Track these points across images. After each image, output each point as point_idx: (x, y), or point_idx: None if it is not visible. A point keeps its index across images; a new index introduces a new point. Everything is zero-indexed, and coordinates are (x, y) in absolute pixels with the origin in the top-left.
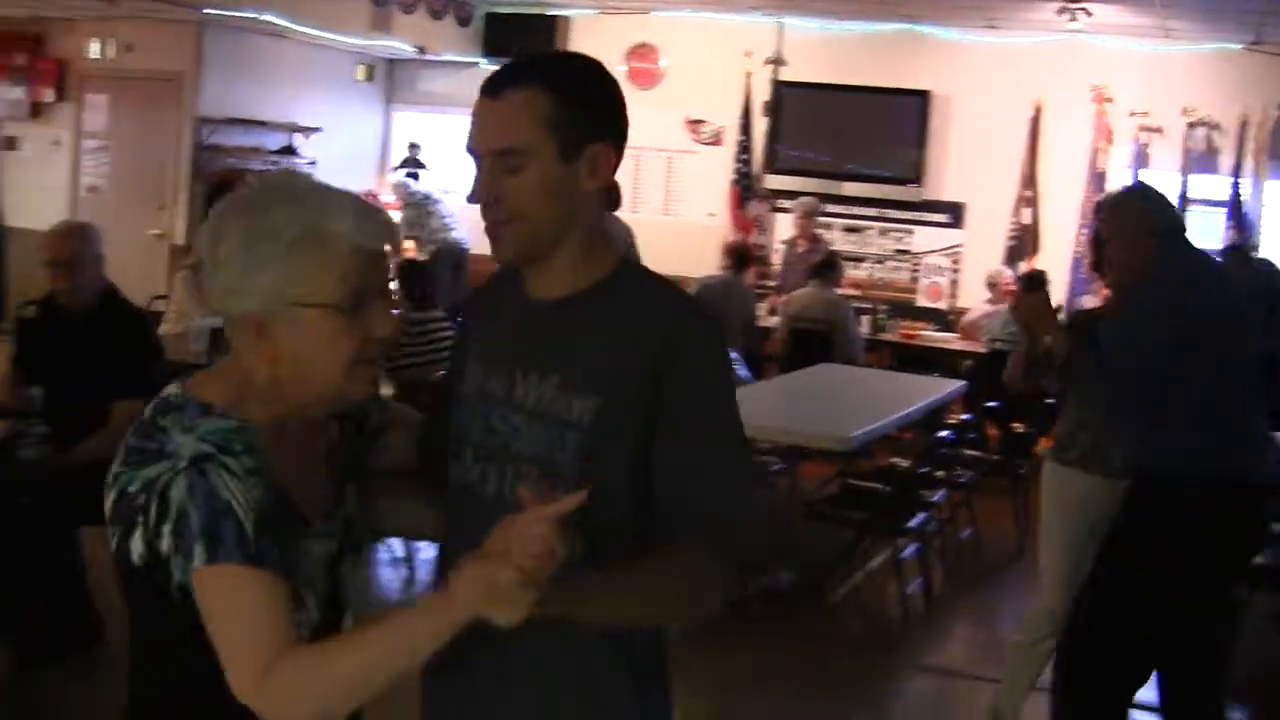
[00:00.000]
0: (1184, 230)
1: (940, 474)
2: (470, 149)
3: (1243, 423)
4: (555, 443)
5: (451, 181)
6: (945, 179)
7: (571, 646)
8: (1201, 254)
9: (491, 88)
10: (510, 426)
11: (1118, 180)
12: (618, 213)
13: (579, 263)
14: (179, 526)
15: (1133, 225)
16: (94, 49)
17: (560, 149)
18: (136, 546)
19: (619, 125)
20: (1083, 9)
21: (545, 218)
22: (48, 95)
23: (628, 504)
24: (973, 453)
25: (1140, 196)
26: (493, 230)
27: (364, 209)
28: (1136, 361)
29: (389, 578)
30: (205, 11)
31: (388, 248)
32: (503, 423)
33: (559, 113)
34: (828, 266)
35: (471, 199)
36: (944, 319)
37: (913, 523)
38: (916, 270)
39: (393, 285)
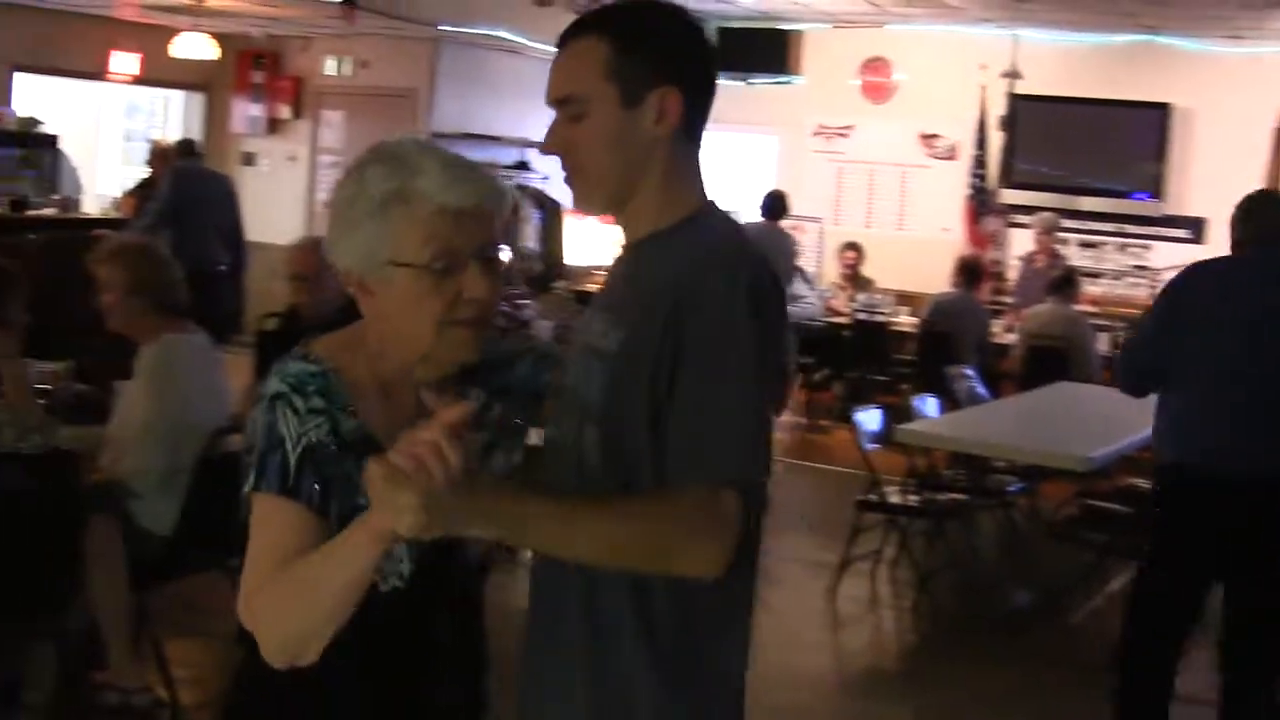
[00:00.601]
0: (1271, 238)
1: None
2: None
3: (1225, 416)
4: (589, 373)
5: None
6: (1187, 193)
7: (594, 634)
8: None
9: (560, 40)
10: (578, 368)
11: None
12: (788, 223)
13: (656, 209)
14: (249, 457)
15: (1235, 227)
16: (330, 66)
17: (621, 96)
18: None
19: (686, 67)
20: None
21: (610, 166)
22: (285, 112)
23: (646, 443)
24: None
25: (1245, 202)
26: (567, 182)
27: (458, 169)
28: (1151, 328)
29: None
30: (440, 28)
31: (487, 208)
32: (574, 364)
33: (618, 59)
34: (1066, 282)
35: (541, 151)
36: None
37: None
38: (1155, 286)
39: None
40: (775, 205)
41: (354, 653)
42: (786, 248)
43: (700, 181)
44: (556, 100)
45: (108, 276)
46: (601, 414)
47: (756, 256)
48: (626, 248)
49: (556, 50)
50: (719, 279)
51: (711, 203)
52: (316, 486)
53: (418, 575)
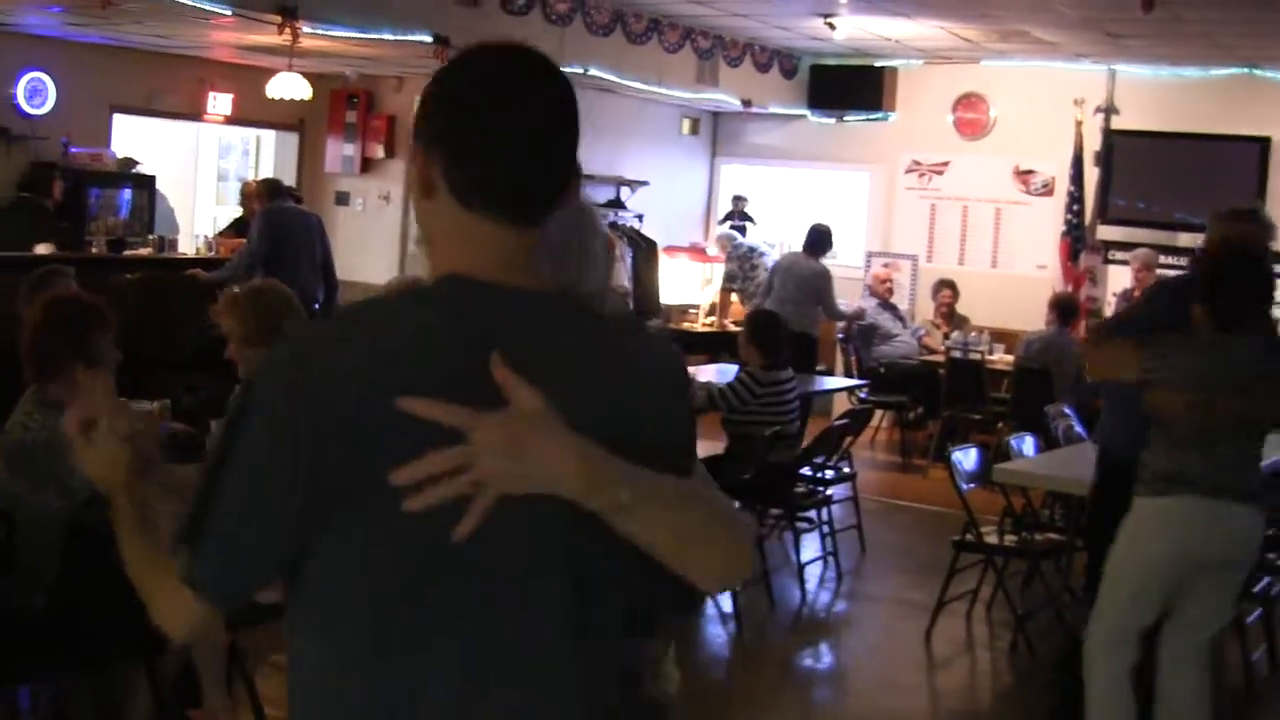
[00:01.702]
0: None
1: None
2: None
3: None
4: None
5: (777, 235)
6: None
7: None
8: None
9: None
10: None
11: None
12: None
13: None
14: None
15: None
16: None
17: (417, 153)
18: None
19: (438, 126)
20: None
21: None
22: (378, 151)
23: None
24: None
25: None
26: None
27: None
28: None
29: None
30: None
31: None
32: None
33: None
34: None
35: None
36: None
37: (1256, 588)
38: None
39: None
40: (814, 240)
41: None
42: (813, 282)
43: (459, 258)
44: None
45: (227, 328)
46: None
47: (314, 346)
48: None
49: None
50: None
51: (436, 283)
52: None
53: None
